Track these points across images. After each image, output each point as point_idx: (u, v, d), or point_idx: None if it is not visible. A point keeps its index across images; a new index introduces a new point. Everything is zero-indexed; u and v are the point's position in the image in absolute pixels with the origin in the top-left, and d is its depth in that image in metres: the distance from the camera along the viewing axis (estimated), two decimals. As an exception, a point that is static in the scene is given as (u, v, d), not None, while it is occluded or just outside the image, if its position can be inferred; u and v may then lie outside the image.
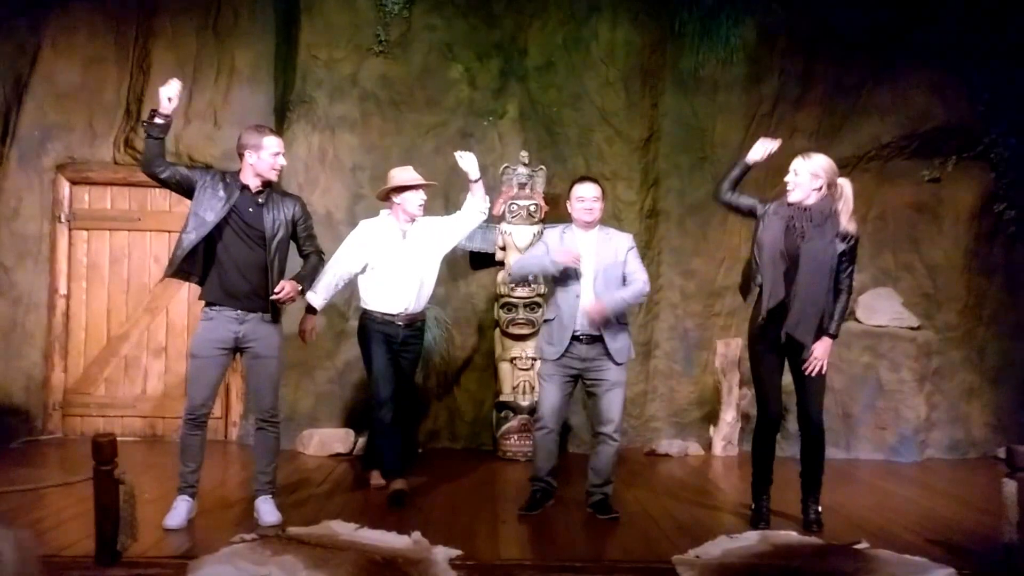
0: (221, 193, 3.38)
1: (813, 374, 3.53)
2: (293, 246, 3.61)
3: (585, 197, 3.74)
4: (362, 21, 5.26)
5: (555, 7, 5.42)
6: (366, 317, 4.04)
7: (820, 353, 3.51)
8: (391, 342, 4.00)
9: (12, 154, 5.24)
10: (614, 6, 5.39)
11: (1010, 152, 5.55)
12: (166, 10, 5.34)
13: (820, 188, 3.51)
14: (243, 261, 3.41)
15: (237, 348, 3.49)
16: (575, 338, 3.67)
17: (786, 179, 3.57)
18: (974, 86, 5.49)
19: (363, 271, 4.05)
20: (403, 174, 4.06)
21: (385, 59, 5.30)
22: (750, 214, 3.66)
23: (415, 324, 4.08)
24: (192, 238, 3.34)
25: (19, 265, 5.25)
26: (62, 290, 5.41)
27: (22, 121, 5.26)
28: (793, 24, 5.46)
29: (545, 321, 3.87)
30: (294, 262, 3.62)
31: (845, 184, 3.55)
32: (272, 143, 3.44)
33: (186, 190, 3.41)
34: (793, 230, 3.49)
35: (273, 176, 3.49)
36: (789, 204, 3.55)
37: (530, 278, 3.98)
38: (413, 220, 4.03)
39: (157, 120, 3.29)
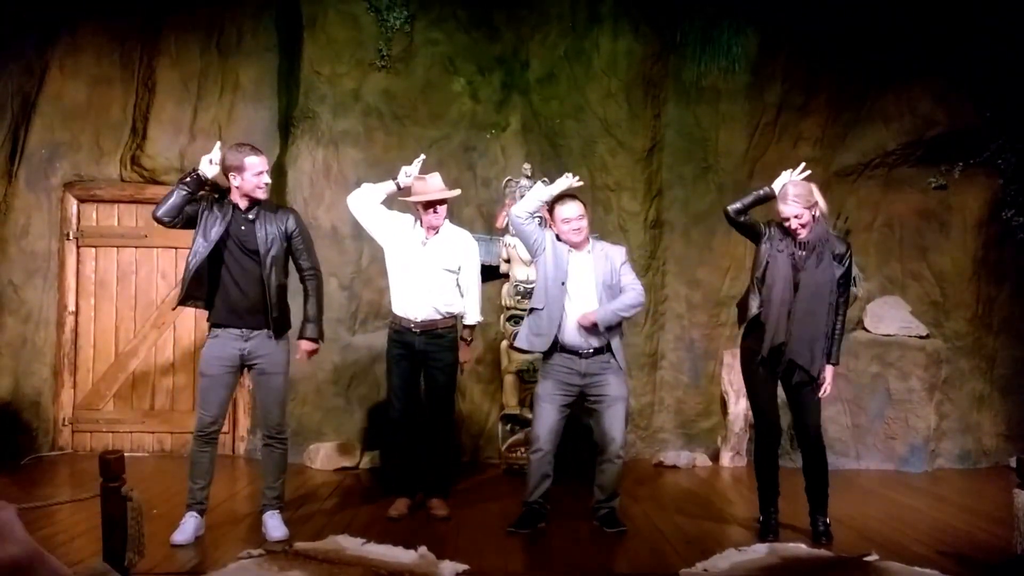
0: (218, 213, 3.43)
1: (823, 396, 3.59)
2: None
3: (570, 217, 3.63)
4: (364, 36, 5.30)
5: (556, 19, 5.45)
6: (390, 326, 4.03)
7: (828, 382, 3.57)
8: (411, 354, 3.92)
9: (21, 173, 5.29)
10: (615, 17, 5.41)
11: (1017, 158, 5.52)
12: (170, 29, 5.40)
13: (816, 215, 3.52)
14: (241, 279, 3.44)
15: (244, 365, 3.51)
16: (576, 353, 3.65)
17: (790, 225, 3.50)
18: (979, 92, 5.47)
19: (385, 242, 3.95)
20: (419, 186, 3.93)
21: (388, 74, 5.33)
22: (753, 235, 3.64)
23: (434, 332, 3.91)
24: (196, 260, 3.40)
25: (28, 283, 5.29)
26: (71, 307, 5.44)
27: (30, 140, 5.31)
28: (795, 32, 5.46)
29: (531, 310, 3.73)
30: (296, 278, 3.64)
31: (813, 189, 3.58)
32: (253, 163, 3.43)
33: (190, 222, 3.45)
34: (795, 263, 3.51)
35: (260, 195, 3.48)
36: (788, 234, 3.53)
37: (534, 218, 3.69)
38: (435, 230, 3.94)
39: (193, 176, 3.40)
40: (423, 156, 4.00)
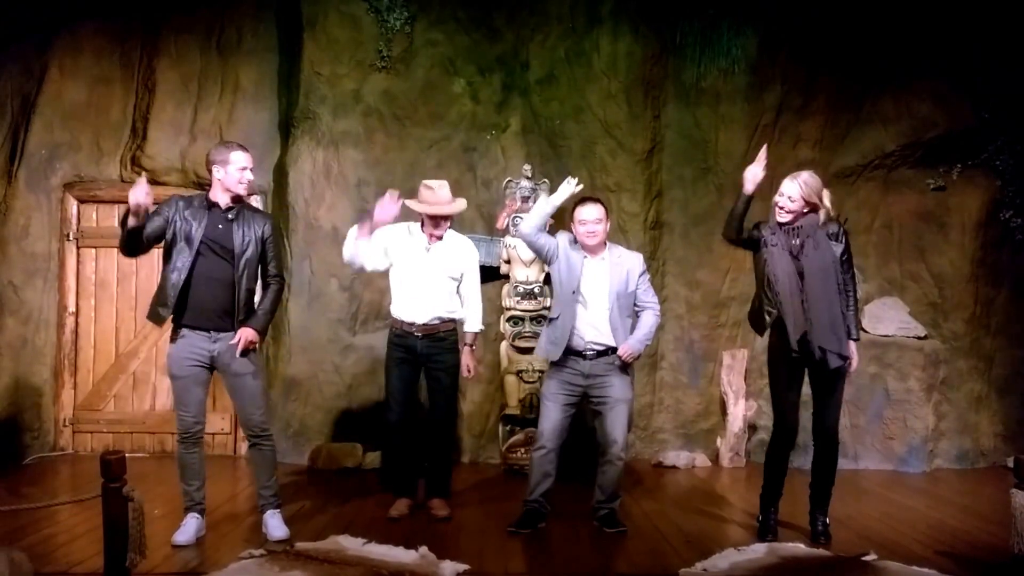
0: (192, 220, 3.39)
1: (852, 371, 3.61)
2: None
3: (587, 220, 3.63)
4: (364, 37, 5.31)
5: (556, 20, 5.46)
6: (390, 329, 4.01)
7: (854, 358, 3.59)
8: (412, 357, 3.92)
9: (20, 174, 5.29)
10: (615, 18, 5.42)
11: (1015, 159, 5.53)
12: (170, 29, 5.40)
13: (813, 207, 3.52)
14: (212, 279, 3.40)
15: (213, 367, 3.47)
16: (580, 354, 3.67)
17: (777, 201, 3.53)
18: (977, 93, 5.48)
19: (389, 269, 3.95)
20: (428, 194, 3.90)
21: (388, 74, 5.34)
22: (754, 245, 3.63)
23: (436, 335, 3.91)
24: (178, 276, 3.35)
25: (28, 283, 5.29)
26: (71, 308, 5.45)
27: (30, 141, 5.31)
28: (795, 34, 5.47)
29: (549, 320, 3.81)
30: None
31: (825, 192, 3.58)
32: (239, 158, 3.44)
33: (158, 239, 3.41)
34: (793, 252, 3.51)
35: (241, 191, 3.47)
36: (780, 226, 3.54)
37: (541, 246, 3.71)
38: (439, 238, 3.93)
39: (131, 221, 3.22)
40: (398, 193, 3.72)
